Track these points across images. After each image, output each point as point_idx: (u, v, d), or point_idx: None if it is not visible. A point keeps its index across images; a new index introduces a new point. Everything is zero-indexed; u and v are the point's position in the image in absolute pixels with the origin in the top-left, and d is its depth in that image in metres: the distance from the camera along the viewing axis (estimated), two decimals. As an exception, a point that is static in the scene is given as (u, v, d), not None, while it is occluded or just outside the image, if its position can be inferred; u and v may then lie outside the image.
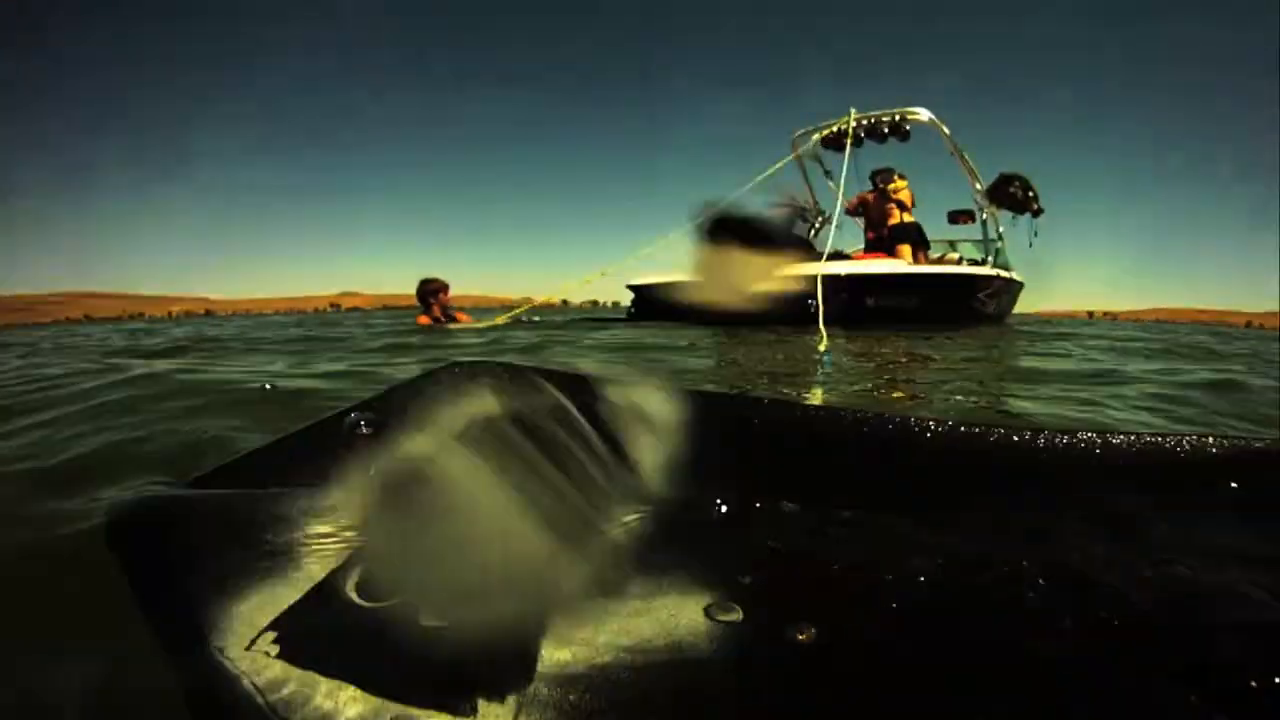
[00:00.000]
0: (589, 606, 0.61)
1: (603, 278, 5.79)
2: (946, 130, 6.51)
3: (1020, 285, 7.33)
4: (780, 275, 4.87)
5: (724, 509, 0.85)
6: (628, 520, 0.78)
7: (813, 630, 0.61)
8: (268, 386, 1.66)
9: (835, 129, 6.48)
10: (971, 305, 6.17)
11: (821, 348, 3.07)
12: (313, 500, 0.68)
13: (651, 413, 1.08)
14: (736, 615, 0.60)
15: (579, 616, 0.59)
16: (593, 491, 0.86)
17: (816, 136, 6.70)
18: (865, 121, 6.38)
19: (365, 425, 0.84)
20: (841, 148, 6.37)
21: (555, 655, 0.54)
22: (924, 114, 6.40)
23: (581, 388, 1.10)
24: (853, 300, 5.06)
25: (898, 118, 6.37)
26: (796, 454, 0.96)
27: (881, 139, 6.43)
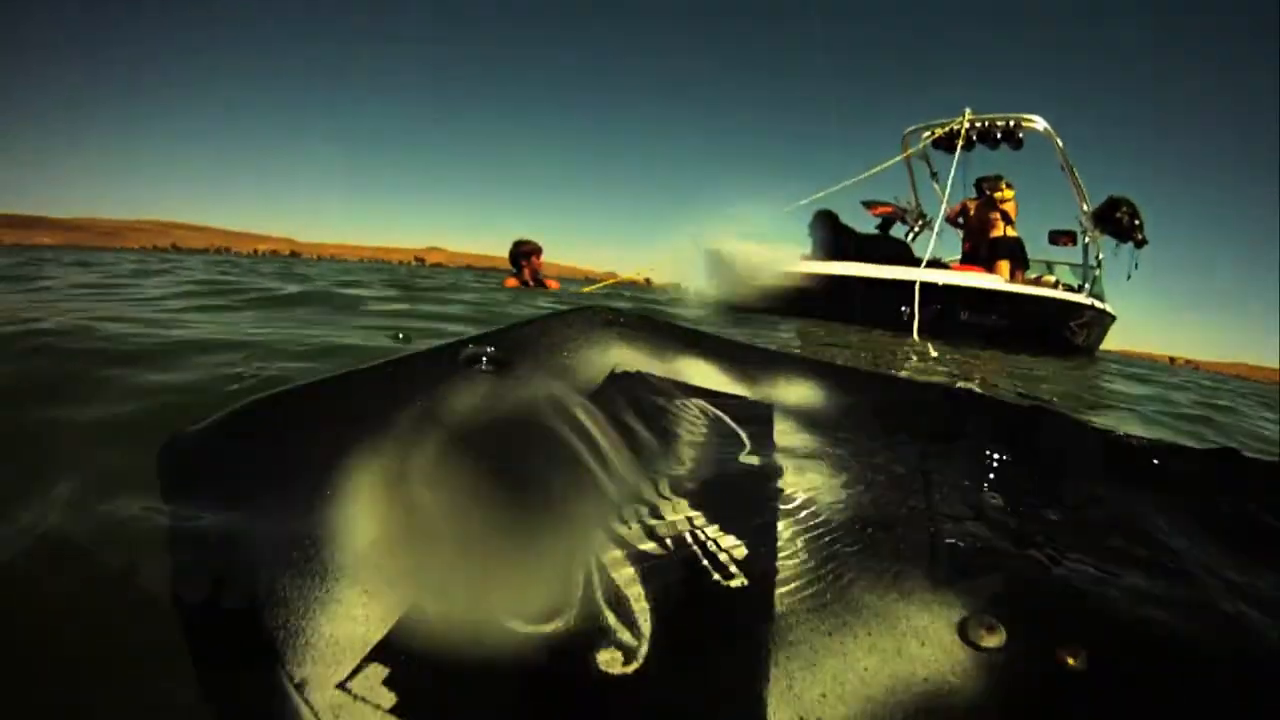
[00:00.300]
0: (818, 638, 0.50)
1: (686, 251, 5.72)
2: (1060, 143, 6.16)
3: (1113, 318, 6.95)
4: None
5: (919, 499, 0.77)
6: (810, 512, 0.68)
7: (1083, 653, 0.52)
8: (400, 336, 1.63)
9: (948, 129, 6.22)
10: (1063, 333, 5.89)
11: (933, 354, 2.94)
12: (419, 448, 0.57)
13: (808, 384, 0.98)
14: (1000, 638, 0.51)
15: (812, 654, 0.48)
16: (746, 465, 0.77)
17: (928, 135, 6.43)
18: (979, 124, 6.08)
19: (485, 360, 0.77)
20: (952, 149, 6.10)
21: (791, 705, 0.43)
22: (1040, 123, 6.05)
23: (730, 353, 1.01)
24: (946, 312, 4.89)
25: (1012, 123, 6.05)
26: (982, 444, 0.86)
27: (994, 144, 6.11)
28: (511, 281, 4.95)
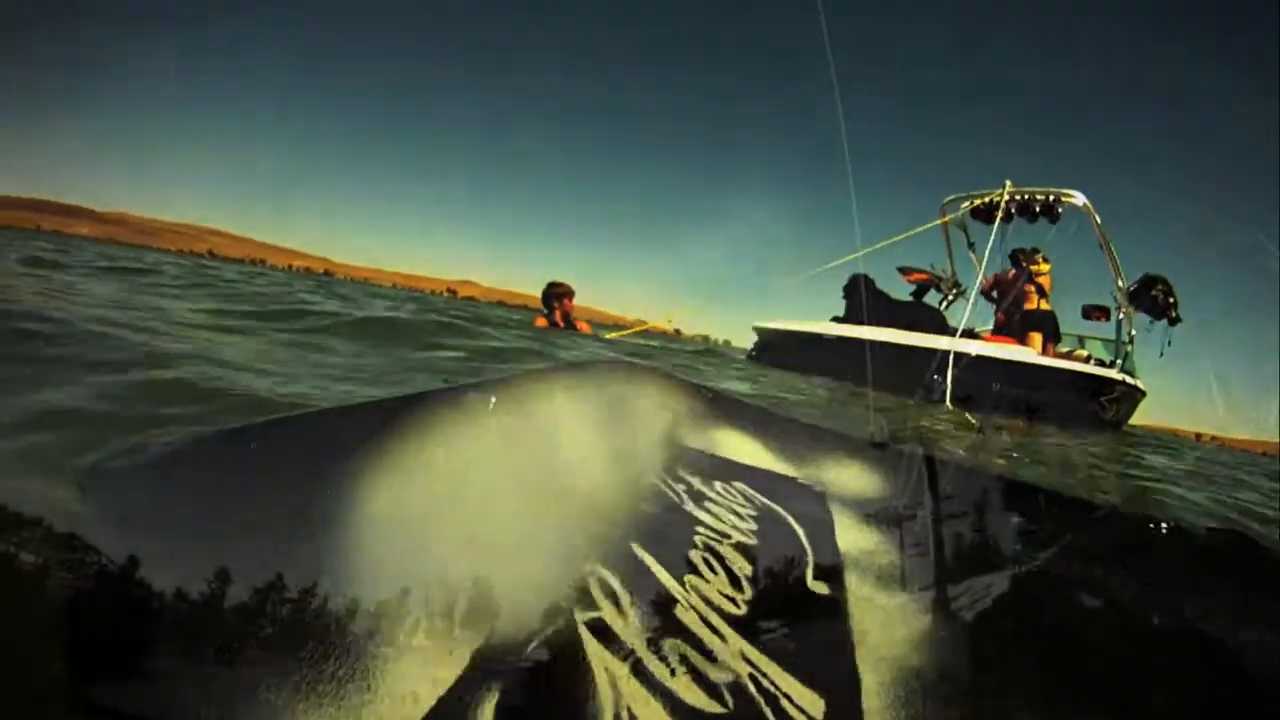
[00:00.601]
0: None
1: (713, 309, 5.77)
2: (1098, 219, 6.14)
3: (1143, 394, 6.84)
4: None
5: (1016, 626, 0.69)
6: (893, 651, 0.60)
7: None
8: (444, 380, 1.61)
9: (988, 200, 6.26)
10: (1092, 408, 5.80)
11: (971, 423, 2.87)
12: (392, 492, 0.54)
13: (856, 468, 0.89)
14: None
15: None
16: (812, 583, 0.67)
17: (967, 205, 6.48)
18: (1019, 196, 6.12)
19: (492, 405, 0.70)
20: (990, 219, 6.15)
21: None
22: (1079, 198, 6.06)
23: (768, 426, 0.94)
24: (979, 383, 4.85)
25: (1051, 198, 6.08)
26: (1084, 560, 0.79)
27: (1033, 217, 6.15)
28: (541, 322, 4.96)
